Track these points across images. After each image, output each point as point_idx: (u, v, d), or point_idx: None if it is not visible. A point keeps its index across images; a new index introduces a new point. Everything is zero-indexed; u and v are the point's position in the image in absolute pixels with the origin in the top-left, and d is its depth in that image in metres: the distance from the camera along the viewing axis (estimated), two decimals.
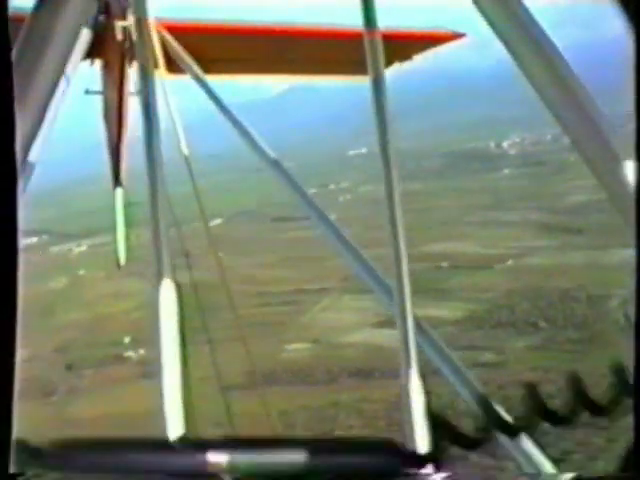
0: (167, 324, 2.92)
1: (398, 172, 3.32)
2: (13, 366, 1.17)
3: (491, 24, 1.74)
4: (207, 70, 4.92)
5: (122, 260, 8.35)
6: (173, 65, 4.25)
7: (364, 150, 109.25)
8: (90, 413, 27.47)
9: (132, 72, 5.77)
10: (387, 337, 29.37)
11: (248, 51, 5.93)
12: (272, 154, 4.50)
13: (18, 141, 1.25)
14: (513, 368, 25.64)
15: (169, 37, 4.32)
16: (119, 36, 4.96)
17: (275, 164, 4.45)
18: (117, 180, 7.89)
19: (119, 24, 4.89)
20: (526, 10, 1.74)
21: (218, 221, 69.33)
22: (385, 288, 3.68)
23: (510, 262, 37.90)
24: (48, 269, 51.70)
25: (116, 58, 5.54)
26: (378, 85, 3.18)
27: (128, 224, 8.24)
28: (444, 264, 40.37)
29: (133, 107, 6.35)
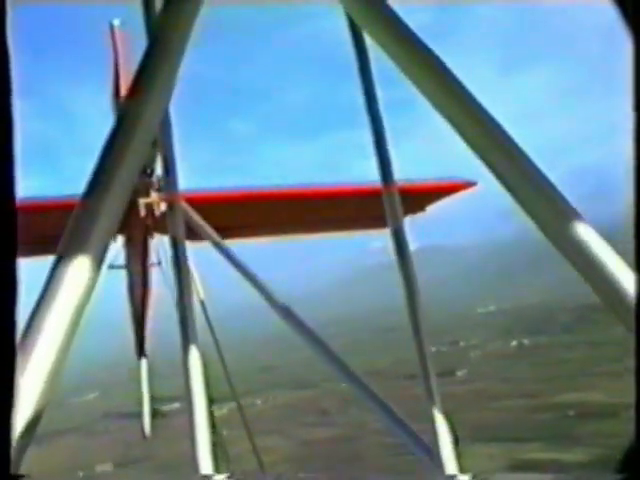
0: (195, 386, 2.98)
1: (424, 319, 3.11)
2: (14, 365, 1.14)
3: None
4: (226, 236, 4.75)
5: (147, 430, 8.09)
6: (192, 234, 4.17)
7: (492, 308, 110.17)
8: None
9: (153, 245, 5.96)
10: None
11: (266, 216, 5.78)
12: (280, 299, 4.23)
13: None
14: None
15: (188, 208, 4.26)
16: (142, 212, 4.95)
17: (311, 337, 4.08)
18: (142, 351, 7.87)
19: (142, 201, 4.91)
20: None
21: None
22: (424, 448, 3.22)
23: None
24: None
25: (139, 233, 5.55)
26: (399, 237, 3.13)
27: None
28: (571, 413, 41.55)
29: (155, 278, 6.49)
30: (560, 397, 44.93)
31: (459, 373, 56.26)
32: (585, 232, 1.58)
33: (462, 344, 75.33)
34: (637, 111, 1.25)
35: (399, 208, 3.16)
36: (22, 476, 1.15)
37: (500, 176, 1.66)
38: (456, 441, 3.15)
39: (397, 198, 3.14)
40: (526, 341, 71.19)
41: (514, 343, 72.09)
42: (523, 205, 1.64)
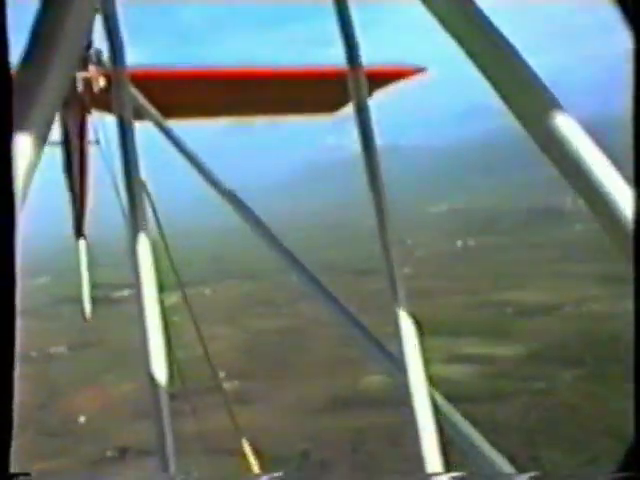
0: (145, 275, 2.87)
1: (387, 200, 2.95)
2: (13, 364, 1.11)
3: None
4: (168, 115, 4.66)
5: (88, 313, 7.97)
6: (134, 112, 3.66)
7: (444, 208, 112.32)
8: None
9: (90, 121, 5.84)
10: (454, 372, 33.42)
11: (211, 95, 5.72)
12: (227, 186, 4.20)
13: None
14: (561, 395, 29.83)
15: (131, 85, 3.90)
16: (80, 87, 4.86)
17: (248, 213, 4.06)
18: (80, 232, 7.66)
19: (80, 75, 4.80)
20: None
21: None
22: (387, 355, 3.10)
23: (567, 309, 41.10)
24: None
25: (77, 109, 5.46)
26: (363, 119, 3.04)
27: None
28: (509, 310, 43.92)
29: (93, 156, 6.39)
30: (499, 295, 47.12)
31: (404, 270, 57.92)
32: (578, 139, 1.47)
33: (409, 242, 77.14)
34: (637, 112, 1.23)
35: (365, 90, 3.00)
36: (21, 474, 1.14)
37: (485, 71, 1.52)
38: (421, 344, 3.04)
39: (363, 80, 2.96)
40: (472, 242, 73.29)
41: (460, 243, 74.17)
42: (508, 102, 1.52)
